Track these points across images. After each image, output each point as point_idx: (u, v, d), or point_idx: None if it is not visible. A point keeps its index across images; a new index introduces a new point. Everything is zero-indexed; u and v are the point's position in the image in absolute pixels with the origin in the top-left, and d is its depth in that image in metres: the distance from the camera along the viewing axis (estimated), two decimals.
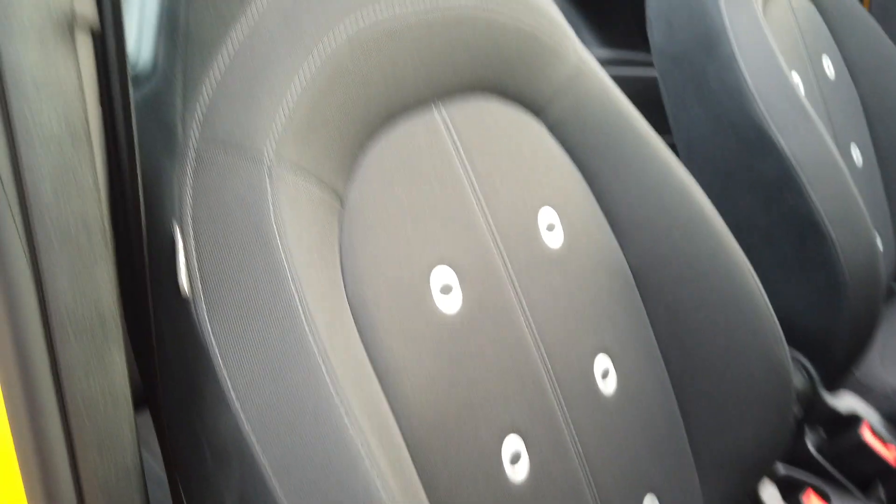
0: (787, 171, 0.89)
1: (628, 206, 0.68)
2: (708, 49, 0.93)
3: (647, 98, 1.66)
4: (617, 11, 1.68)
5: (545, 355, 0.60)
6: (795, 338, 0.93)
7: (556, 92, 0.66)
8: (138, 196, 0.39)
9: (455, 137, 0.59)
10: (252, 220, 0.41)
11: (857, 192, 0.91)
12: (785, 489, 0.80)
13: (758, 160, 0.91)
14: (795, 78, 1.06)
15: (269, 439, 0.39)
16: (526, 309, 0.60)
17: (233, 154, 0.43)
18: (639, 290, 0.69)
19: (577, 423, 0.60)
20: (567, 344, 0.61)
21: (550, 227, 0.64)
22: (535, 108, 0.66)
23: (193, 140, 0.43)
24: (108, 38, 0.33)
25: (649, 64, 1.67)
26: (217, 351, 0.40)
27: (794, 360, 0.96)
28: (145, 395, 0.43)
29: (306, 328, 0.40)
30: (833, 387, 0.98)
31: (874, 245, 0.93)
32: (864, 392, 1.01)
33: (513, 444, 0.55)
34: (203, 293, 0.40)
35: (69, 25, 0.30)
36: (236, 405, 0.39)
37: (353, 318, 0.48)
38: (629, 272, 0.68)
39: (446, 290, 0.55)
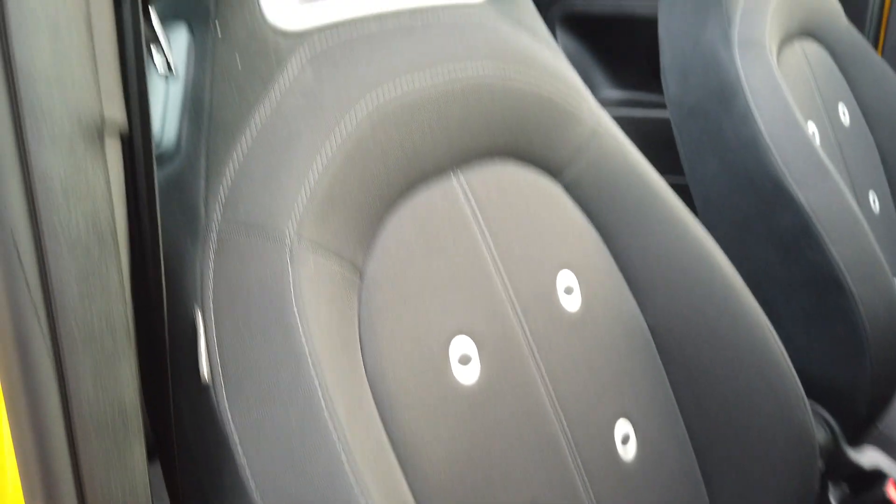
0: (806, 225, 0.88)
1: (646, 266, 0.68)
2: (723, 101, 0.93)
3: (658, 139, 1.66)
4: (629, 53, 1.69)
5: (564, 423, 0.59)
6: (817, 391, 0.92)
7: (572, 153, 0.66)
8: (161, 286, 0.39)
9: (473, 204, 0.59)
10: (273, 304, 0.41)
11: (877, 245, 0.90)
12: None
13: (775, 213, 0.90)
14: (811, 127, 1.06)
15: None
16: (545, 376, 0.59)
17: (254, 235, 0.43)
18: (658, 350, 0.68)
19: (598, 493, 0.59)
20: (587, 410, 0.61)
21: (568, 291, 0.64)
22: (553, 169, 0.66)
23: (216, 222, 0.43)
24: (135, 140, 0.33)
25: (661, 105, 1.68)
26: (237, 439, 0.39)
27: (816, 414, 0.95)
28: (164, 481, 0.43)
29: (326, 415, 0.40)
30: (856, 441, 0.96)
31: (895, 298, 0.92)
32: (889, 446, 0.99)
33: None
34: (223, 379, 0.40)
35: (99, 131, 0.30)
36: (255, 495, 0.39)
37: (372, 394, 0.48)
38: (648, 332, 0.68)
39: (465, 360, 0.54)
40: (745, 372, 0.66)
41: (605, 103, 1.94)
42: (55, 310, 0.31)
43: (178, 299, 0.42)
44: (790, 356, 0.67)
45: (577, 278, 0.64)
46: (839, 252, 0.87)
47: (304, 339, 0.41)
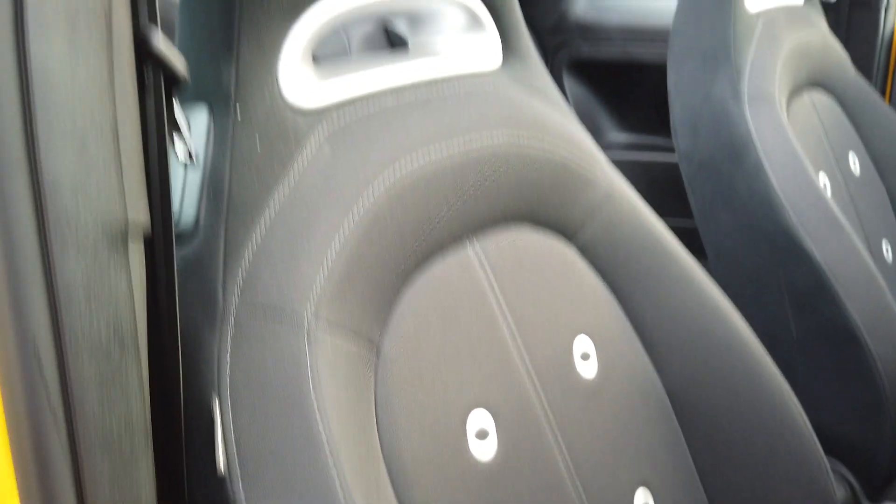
0: (821, 281, 0.88)
1: (662, 328, 0.67)
2: (735, 156, 0.93)
3: (665, 183, 1.67)
4: (636, 97, 1.70)
5: (583, 496, 0.58)
6: (835, 448, 0.90)
7: (586, 216, 0.66)
8: (179, 378, 0.38)
9: (489, 272, 0.59)
10: (291, 391, 0.41)
11: (893, 301, 0.89)
12: None
13: (789, 268, 0.90)
14: (822, 178, 1.05)
15: None
16: (562, 446, 0.58)
17: (272, 319, 0.43)
18: (675, 413, 0.67)
19: None
20: (605, 481, 0.60)
21: (585, 357, 0.63)
22: (567, 232, 0.66)
23: (233, 306, 0.42)
24: (157, 240, 0.33)
25: (668, 149, 1.68)
26: None
27: (836, 471, 0.93)
28: None
29: None
30: (877, 498, 0.94)
31: None
32: None
33: None
34: (240, 469, 0.40)
35: (123, 236, 0.30)
36: None
37: (389, 473, 0.47)
38: (665, 396, 0.67)
39: (482, 434, 0.53)
40: (764, 434, 0.65)
41: (611, 147, 1.96)
42: (74, 416, 0.30)
43: (195, 387, 0.42)
44: (807, 412, 0.66)
45: (594, 343, 0.64)
46: (855, 308, 0.86)
47: (321, 427, 0.41)
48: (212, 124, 0.45)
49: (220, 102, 0.45)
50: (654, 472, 0.63)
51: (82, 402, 0.30)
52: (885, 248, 1.16)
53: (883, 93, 1.33)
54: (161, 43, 0.33)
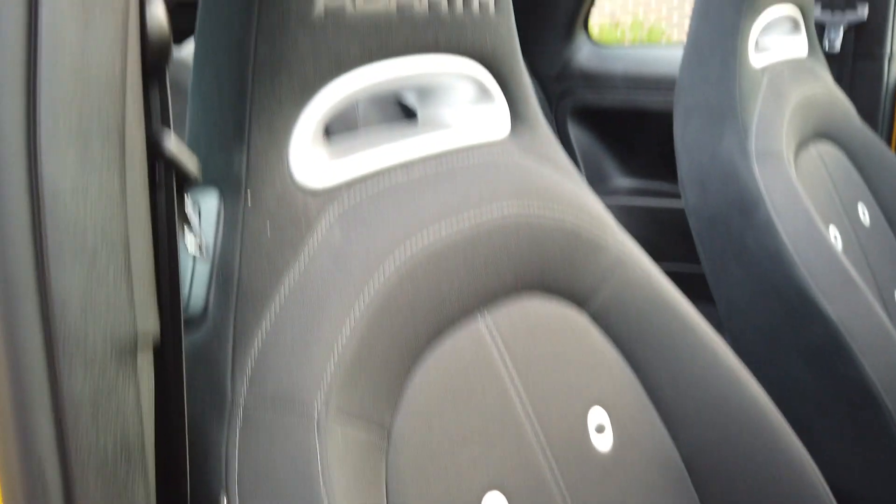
0: (836, 339, 0.86)
1: (678, 396, 0.66)
2: (744, 212, 0.92)
3: (672, 228, 1.66)
4: (640, 142, 1.71)
5: None
6: None
7: (598, 282, 0.65)
8: (186, 480, 0.37)
9: (500, 345, 0.58)
10: (300, 489, 0.40)
11: None
12: None
13: (804, 326, 0.89)
14: (833, 231, 1.05)
15: None
16: None
17: (282, 411, 0.42)
18: (693, 484, 0.65)
19: None
20: None
21: (600, 429, 0.62)
22: (579, 299, 0.65)
23: (242, 398, 0.41)
24: (166, 340, 0.32)
25: (673, 195, 1.68)
26: None
27: None
28: None
29: None
30: None
31: None
32: None
33: None
34: None
35: (132, 349, 0.30)
36: None
37: None
38: (682, 466, 0.65)
39: None
40: (782, 503, 0.64)
41: (617, 192, 1.95)
42: None
43: (203, 482, 0.41)
44: (824, 473, 0.64)
45: (609, 415, 0.62)
46: (872, 367, 0.85)
47: None
48: (222, 210, 0.44)
49: (230, 188, 0.45)
50: None
51: None
52: None
53: (889, 142, 1.33)
54: (173, 145, 0.33)
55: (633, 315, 0.66)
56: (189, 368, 0.42)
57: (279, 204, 0.46)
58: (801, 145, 1.06)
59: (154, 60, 0.32)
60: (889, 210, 1.18)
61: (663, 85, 1.55)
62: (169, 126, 0.33)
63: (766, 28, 1.05)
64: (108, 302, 0.29)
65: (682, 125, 1.00)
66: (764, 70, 1.03)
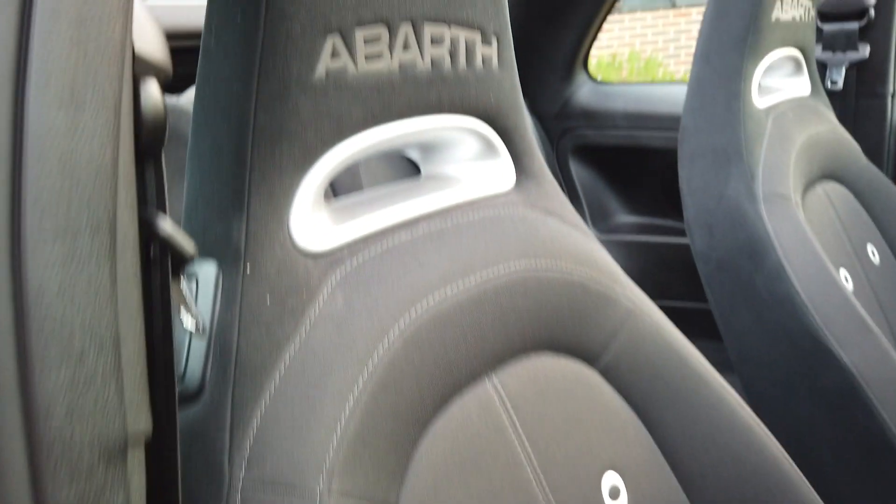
0: (852, 386, 0.84)
1: (693, 454, 0.64)
2: (753, 257, 0.91)
3: (676, 265, 1.64)
4: (643, 179, 1.70)
5: None
6: None
7: (608, 337, 0.63)
8: None
9: (509, 408, 0.56)
10: None
11: None
12: None
13: (818, 373, 0.86)
14: (843, 273, 1.03)
15: None
16: None
17: (281, 495, 0.40)
18: None
19: None
20: None
21: (614, 494, 0.59)
22: (589, 356, 0.63)
23: (240, 481, 0.39)
24: (161, 440, 0.30)
25: (677, 231, 1.67)
26: None
27: None
28: None
29: None
30: None
31: None
32: None
33: None
34: None
35: (122, 450, 0.28)
36: None
37: None
38: None
39: None
40: None
41: (620, 230, 1.94)
42: None
43: None
44: None
45: (623, 478, 0.60)
46: (891, 416, 0.83)
47: None
48: (220, 281, 0.43)
49: (229, 259, 0.43)
50: None
51: None
52: None
53: (895, 179, 1.32)
54: (168, 228, 0.32)
55: (645, 369, 0.64)
56: (184, 450, 0.40)
57: (279, 271, 0.44)
58: (808, 186, 1.05)
59: (149, 141, 0.30)
60: None
61: (665, 123, 1.55)
62: (164, 210, 0.32)
63: (769, 69, 1.05)
64: (97, 404, 0.27)
65: (687, 169, 0.99)
66: (768, 111, 1.02)
